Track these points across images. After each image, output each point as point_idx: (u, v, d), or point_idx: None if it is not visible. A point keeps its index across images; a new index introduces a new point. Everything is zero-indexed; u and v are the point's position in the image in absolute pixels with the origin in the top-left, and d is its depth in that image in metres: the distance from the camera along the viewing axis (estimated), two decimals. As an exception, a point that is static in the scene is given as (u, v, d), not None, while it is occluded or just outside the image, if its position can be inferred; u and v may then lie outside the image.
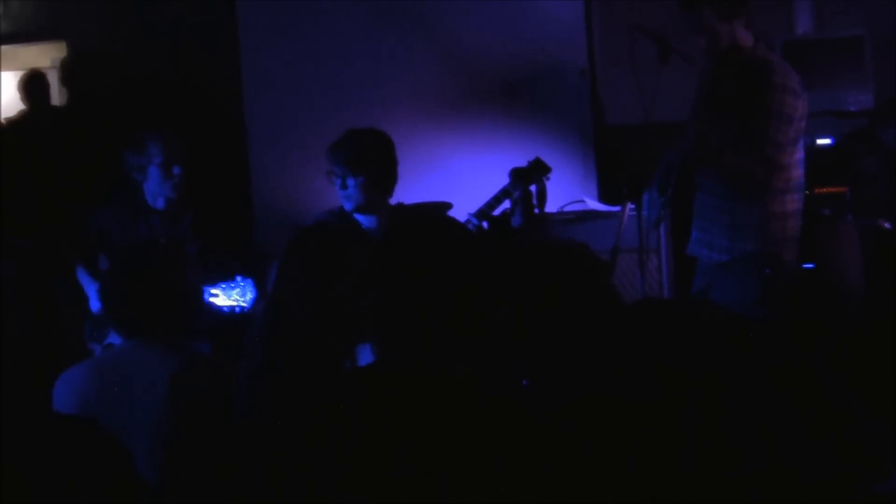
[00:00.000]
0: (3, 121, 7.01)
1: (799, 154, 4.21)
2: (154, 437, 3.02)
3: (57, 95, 7.09)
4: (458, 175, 6.11)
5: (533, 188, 4.32)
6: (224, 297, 4.48)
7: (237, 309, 4.48)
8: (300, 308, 2.76)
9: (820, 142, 5.75)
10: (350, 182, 4.19)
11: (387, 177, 4.28)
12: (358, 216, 4.29)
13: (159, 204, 4.78)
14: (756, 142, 4.07)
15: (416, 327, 2.34)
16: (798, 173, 4.22)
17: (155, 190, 4.76)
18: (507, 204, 4.40)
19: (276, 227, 6.21)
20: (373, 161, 4.22)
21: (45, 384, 3.22)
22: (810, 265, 5.08)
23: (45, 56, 8.12)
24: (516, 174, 4.39)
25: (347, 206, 4.26)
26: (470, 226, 4.22)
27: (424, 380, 2.25)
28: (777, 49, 5.81)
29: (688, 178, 4.37)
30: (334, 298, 2.73)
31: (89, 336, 4.61)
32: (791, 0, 6.31)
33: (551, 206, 4.41)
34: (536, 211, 4.32)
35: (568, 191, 5.69)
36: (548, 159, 4.40)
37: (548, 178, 4.34)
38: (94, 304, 4.69)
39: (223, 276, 4.51)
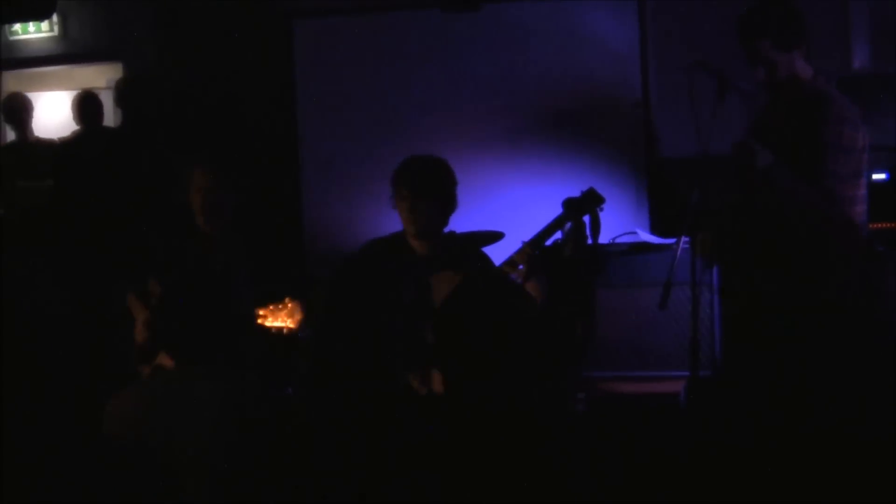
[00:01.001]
0: (57, 140, 7.08)
1: (862, 190, 4.13)
2: (203, 461, 3.02)
3: (112, 116, 7.16)
4: (512, 204, 6.12)
5: (586, 218, 4.29)
6: (273, 319, 4.47)
7: (286, 331, 4.47)
8: (350, 330, 2.76)
9: (875, 176, 5.68)
10: (418, 205, 4.22)
11: (450, 202, 4.34)
12: (413, 242, 4.30)
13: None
14: (815, 174, 4.01)
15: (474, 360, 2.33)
16: (861, 209, 4.13)
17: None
18: (560, 234, 4.37)
19: (326, 250, 6.24)
20: (440, 185, 4.29)
21: (94, 405, 3.22)
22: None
23: (102, 77, 8.22)
24: (569, 204, 4.36)
25: (411, 230, 4.28)
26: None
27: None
28: (833, 85, 5.76)
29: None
30: (382, 322, 2.74)
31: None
32: (848, 36, 6.27)
33: (604, 237, 4.37)
34: (589, 241, 4.27)
35: (620, 222, 5.66)
36: (601, 190, 4.36)
37: (601, 209, 4.30)
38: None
39: (273, 298, 4.51)
